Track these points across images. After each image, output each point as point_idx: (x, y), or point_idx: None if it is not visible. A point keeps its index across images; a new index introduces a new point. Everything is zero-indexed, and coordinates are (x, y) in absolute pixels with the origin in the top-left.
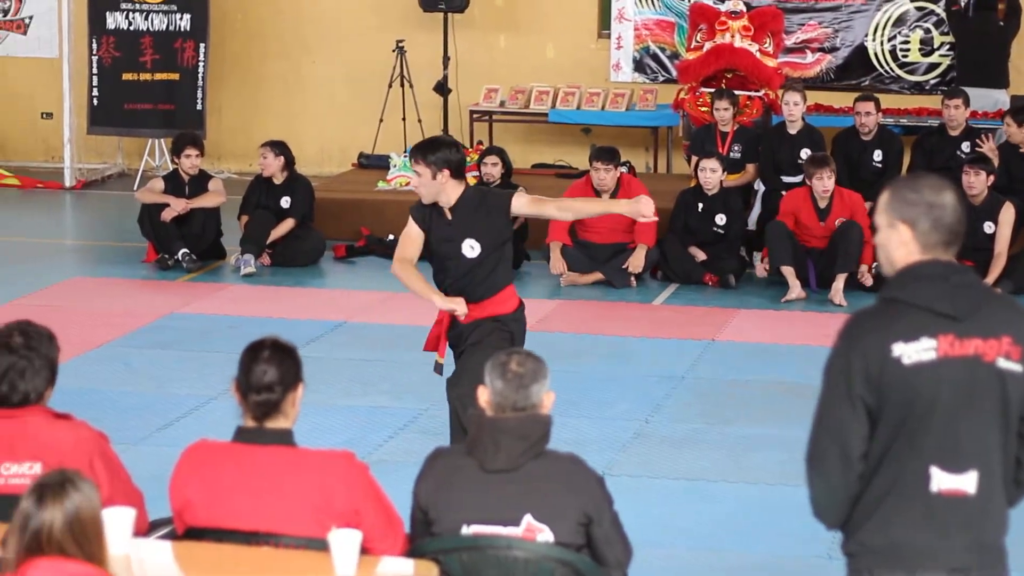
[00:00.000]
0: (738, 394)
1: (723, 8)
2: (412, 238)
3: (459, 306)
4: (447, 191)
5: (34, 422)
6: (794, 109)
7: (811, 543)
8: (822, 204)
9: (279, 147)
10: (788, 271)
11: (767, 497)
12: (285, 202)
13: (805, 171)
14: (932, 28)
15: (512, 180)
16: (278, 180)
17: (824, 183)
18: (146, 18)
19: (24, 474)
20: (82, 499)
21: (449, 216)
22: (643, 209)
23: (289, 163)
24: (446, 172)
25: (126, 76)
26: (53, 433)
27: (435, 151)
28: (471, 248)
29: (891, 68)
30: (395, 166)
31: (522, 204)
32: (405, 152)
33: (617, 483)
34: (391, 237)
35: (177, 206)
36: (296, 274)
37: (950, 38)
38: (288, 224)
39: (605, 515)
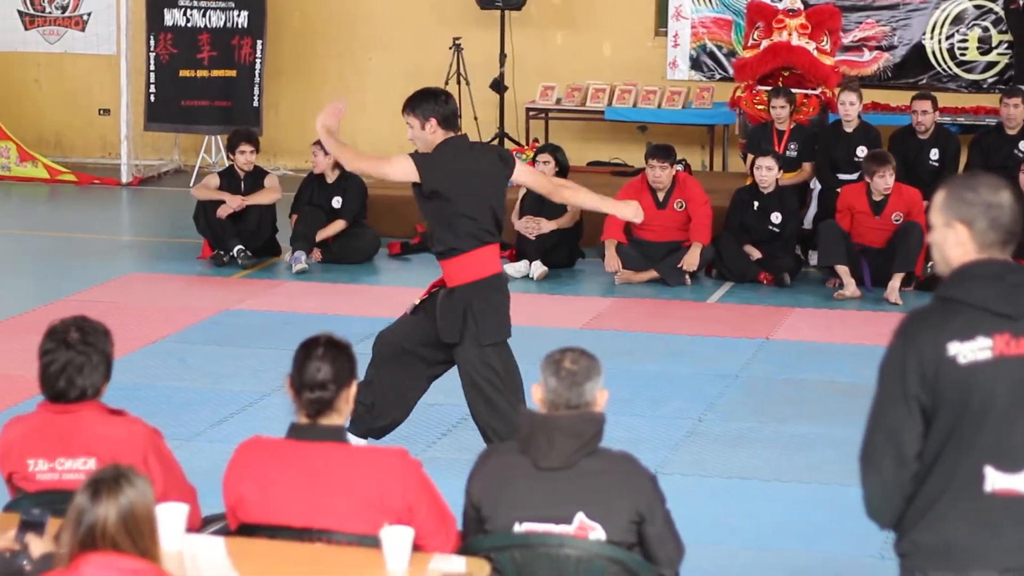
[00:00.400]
0: (792, 393)
1: (780, 6)
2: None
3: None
4: (435, 142)
5: (89, 417)
6: (850, 109)
7: (864, 543)
8: (878, 199)
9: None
10: (843, 270)
11: (820, 496)
12: (336, 202)
13: (865, 168)
14: (990, 26)
15: (568, 178)
16: (330, 178)
17: (886, 180)
18: (204, 15)
19: (78, 469)
20: (136, 494)
21: None
22: (628, 213)
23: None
24: (433, 121)
25: (183, 73)
26: (107, 429)
27: (422, 102)
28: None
29: (949, 66)
30: None
31: (522, 172)
32: None
33: (669, 481)
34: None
35: (232, 203)
36: (351, 271)
37: (1008, 36)
38: (338, 225)
39: (657, 514)
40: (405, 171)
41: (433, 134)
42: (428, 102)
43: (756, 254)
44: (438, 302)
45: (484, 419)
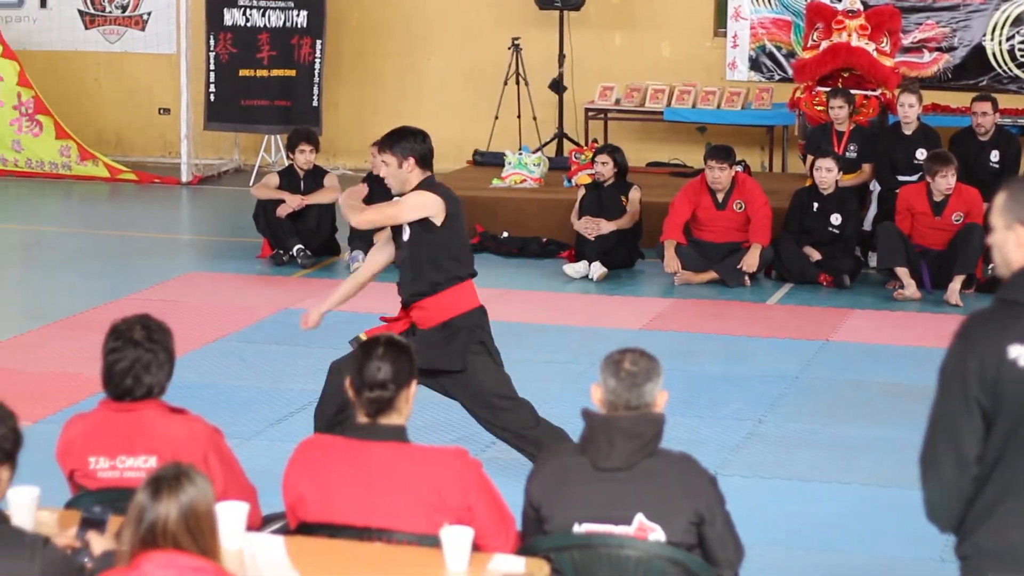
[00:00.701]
0: (852, 395)
1: (840, 7)
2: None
3: None
4: (410, 180)
5: (150, 416)
6: (909, 111)
7: (924, 545)
8: (938, 199)
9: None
10: (903, 271)
11: (880, 498)
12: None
13: (927, 168)
14: None
15: (627, 179)
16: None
17: (948, 180)
18: (263, 15)
19: (139, 467)
20: (197, 493)
21: None
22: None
23: None
24: (411, 160)
25: (243, 72)
26: (168, 427)
27: (400, 140)
28: (407, 231)
29: (1009, 68)
30: (510, 163)
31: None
32: (520, 150)
33: (729, 483)
34: (505, 234)
35: (292, 202)
36: None
37: None
38: None
39: (717, 515)
40: (425, 205)
41: (410, 173)
42: (407, 140)
43: (816, 256)
44: (427, 338)
45: (507, 429)
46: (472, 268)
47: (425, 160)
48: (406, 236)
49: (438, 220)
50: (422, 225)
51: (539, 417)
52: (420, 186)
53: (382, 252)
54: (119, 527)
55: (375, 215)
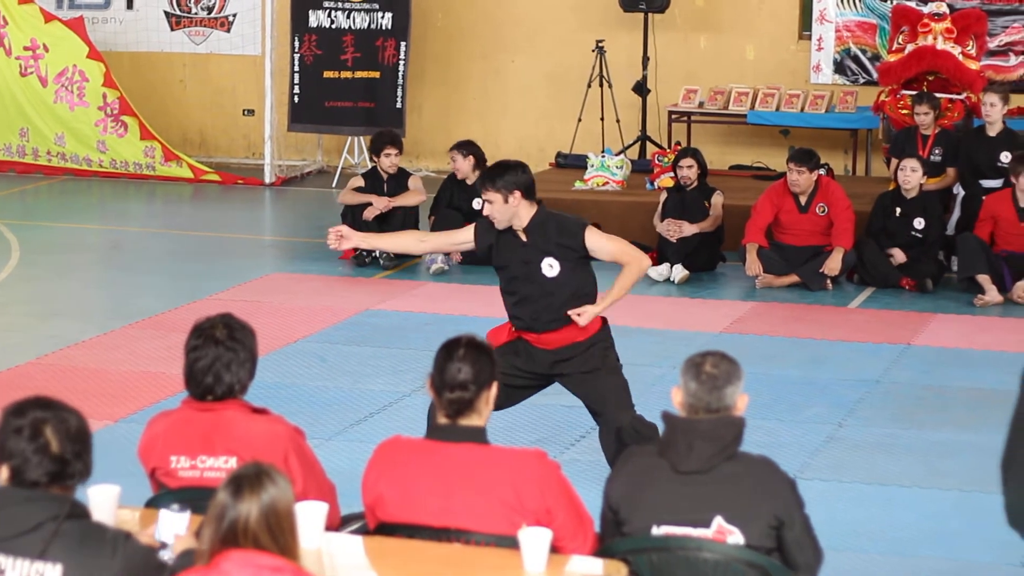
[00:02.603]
0: (933, 399)
1: (926, 10)
2: (459, 235)
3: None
4: (520, 214)
5: (231, 416)
6: (991, 110)
7: (1005, 550)
8: (1023, 203)
9: (467, 147)
10: (984, 278)
11: (961, 503)
12: (476, 203)
13: (1011, 169)
14: None
15: (708, 182)
16: (471, 181)
17: None
18: (348, 16)
19: (220, 467)
20: (277, 492)
21: (524, 238)
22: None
23: (480, 162)
24: (517, 194)
25: (327, 74)
26: (249, 427)
27: (503, 175)
28: (550, 267)
29: None
30: (592, 166)
31: (595, 242)
32: (603, 152)
33: (809, 487)
34: None
35: (380, 204)
36: (489, 273)
37: None
38: None
39: (797, 519)
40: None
41: (518, 206)
42: (510, 174)
43: (901, 257)
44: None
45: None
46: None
47: (530, 191)
48: (551, 273)
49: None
50: (581, 257)
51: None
52: (545, 218)
53: (426, 244)
54: (199, 526)
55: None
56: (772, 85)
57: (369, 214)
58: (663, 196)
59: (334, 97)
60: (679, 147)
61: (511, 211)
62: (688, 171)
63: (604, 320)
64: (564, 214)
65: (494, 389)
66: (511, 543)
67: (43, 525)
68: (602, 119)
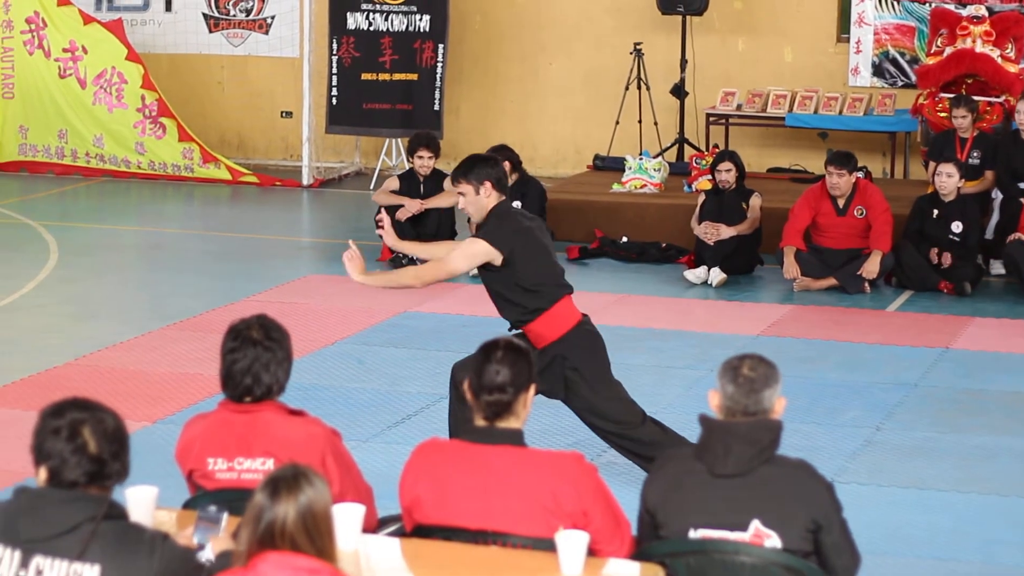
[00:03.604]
0: (972, 403)
1: (965, 13)
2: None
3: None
4: (488, 205)
5: (268, 418)
6: (1021, 117)
7: None
8: None
9: (502, 152)
10: None
11: (999, 508)
12: (516, 205)
13: None
14: None
15: (746, 184)
16: (509, 182)
17: None
18: (386, 19)
19: (256, 469)
20: (315, 494)
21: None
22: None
23: (515, 165)
24: (488, 185)
25: (365, 76)
26: (286, 429)
27: (472, 167)
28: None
29: None
30: (630, 168)
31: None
32: (641, 155)
33: (846, 490)
34: (624, 239)
35: (412, 207)
36: None
37: None
38: None
39: (834, 522)
40: (476, 255)
41: (488, 198)
42: (479, 167)
43: (947, 260)
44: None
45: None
46: (556, 295)
47: (501, 183)
48: (480, 273)
49: (497, 262)
50: (486, 268)
51: (646, 418)
52: (492, 212)
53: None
54: (236, 527)
55: (429, 273)
56: (810, 88)
57: (402, 215)
58: (701, 199)
59: (372, 99)
60: (717, 150)
61: (481, 202)
62: (726, 174)
63: (578, 324)
64: (514, 214)
65: (532, 391)
66: (548, 546)
67: (81, 526)
68: (640, 121)
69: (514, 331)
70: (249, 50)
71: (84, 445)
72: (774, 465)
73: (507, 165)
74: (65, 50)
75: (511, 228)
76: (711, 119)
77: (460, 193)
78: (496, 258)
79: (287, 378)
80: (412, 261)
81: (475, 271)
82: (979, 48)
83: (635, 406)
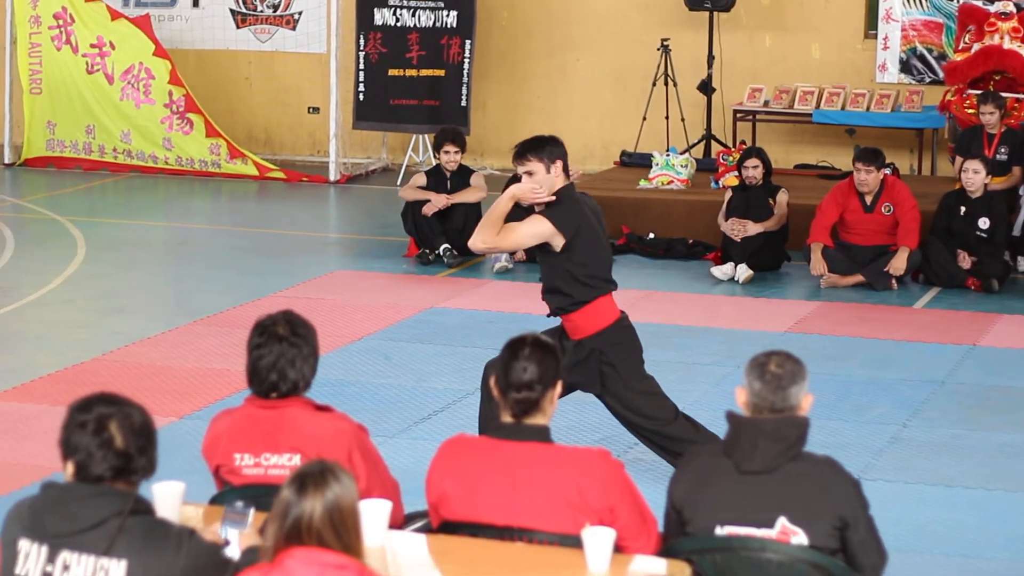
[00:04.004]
0: (999, 400)
1: (992, 9)
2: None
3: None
4: (557, 184)
5: (295, 414)
6: None
7: None
8: None
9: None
10: None
11: None
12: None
13: None
14: None
15: (772, 181)
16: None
17: None
18: (413, 15)
19: (283, 465)
20: (342, 490)
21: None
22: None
23: None
24: (559, 164)
25: (392, 72)
26: (313, 425)
27: (543, 145)
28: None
29: None
30: (657, 164)
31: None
32: (668, 151)
33: (873, 487)
34: (651, 235)
35: (438, 202)
36: None
37: None
38: None
39: (861, 520)
40: (540, 234)
41: (556, 177)
42: (550, 146)
43: (967, 262)
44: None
45: (651, 436)
46: (603, 289)
47: (566, 165)
48: (538, 256)
49: (558, 246)
50: (542, 249)
51: (679, 414)
52: (560, 194)
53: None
54: (263, 523)
55: (499, 235)
56: (838, 84)
57: (427, 210)
58: (728, 195)
59: (399, 95)
60: (744, 146)
61: (552, 180)
62: (753, 171)
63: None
64: (581, 200)
65: (559, 388)
66: (575, 542)
67: (108, 521)
68: (667, 118)
69: (557, 315)
70: (276, 46)
71: (111, 440)
72: (801, 462)
73: None
74: (93, 46)
75: (577, 213)
76: (738, 115)
77: (527, 172)
78: (558, 241)
79: (313, 374)
80: (439, 257)
81: (511, 264)
82: (1007, 44)
83: (668, 402)
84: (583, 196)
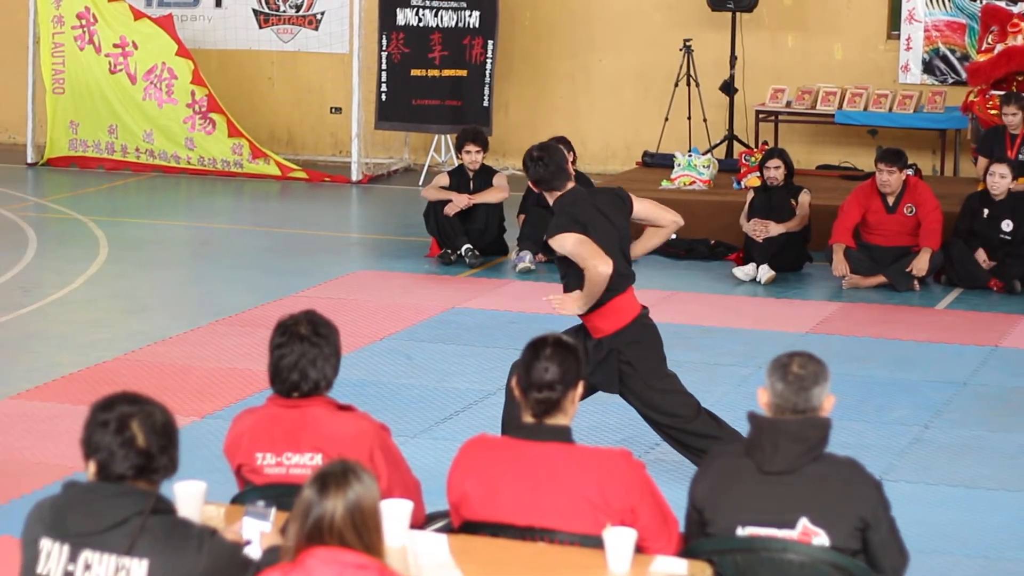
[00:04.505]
0: (1021, 401)
1: (1015, 10)
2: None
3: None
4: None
5: (317, 413)
6: None
7: None
8: None
9: (561, 143)
10: None
11: None
12: None
13: None
14: None
15: (795, 181)
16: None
17: None
18: (436, 15)
19: (305, 464)
20: (363, 490)
21: None
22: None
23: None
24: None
25: (414, 72)
26: (335, 425)
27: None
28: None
29: None
30: (679, 165)
31: (638, 204)
32: (690, 152)
33: (894, 488)
34: (673, 236)
35: (460, 202)
36: None
37: None
38: None
39: (882, 521)
40: (576, 245)
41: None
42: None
43: (988, 264)
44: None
45: (673, 434)
46: (619, 286)
47: (565, 173)
48: (555, 259)
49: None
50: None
51: (701, 411)
52: (559, 200)
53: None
54: (284, 522)
55: (597, 286)
56: (860, 85)
57: (449, 210)
58: (750, 196)
59: (421, 95)
60: (766, 147)
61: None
62: (775, 171)
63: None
64: (582, 202)
65: (580, 388)
66: (596, 543)
67: (129, 520)
68: (689, 118)
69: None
70: (299, 46)
71: (132, 439)
72: (822, 463)
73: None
74: (115, 46)
75: (577, 215)
76: (760, 116)
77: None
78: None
79: (335, 374)
80: (460, 257)
81: (533, 264)
82: None
83: (690, 399)
84: (595, 192)
